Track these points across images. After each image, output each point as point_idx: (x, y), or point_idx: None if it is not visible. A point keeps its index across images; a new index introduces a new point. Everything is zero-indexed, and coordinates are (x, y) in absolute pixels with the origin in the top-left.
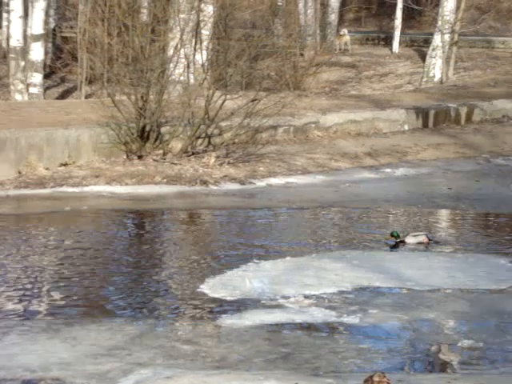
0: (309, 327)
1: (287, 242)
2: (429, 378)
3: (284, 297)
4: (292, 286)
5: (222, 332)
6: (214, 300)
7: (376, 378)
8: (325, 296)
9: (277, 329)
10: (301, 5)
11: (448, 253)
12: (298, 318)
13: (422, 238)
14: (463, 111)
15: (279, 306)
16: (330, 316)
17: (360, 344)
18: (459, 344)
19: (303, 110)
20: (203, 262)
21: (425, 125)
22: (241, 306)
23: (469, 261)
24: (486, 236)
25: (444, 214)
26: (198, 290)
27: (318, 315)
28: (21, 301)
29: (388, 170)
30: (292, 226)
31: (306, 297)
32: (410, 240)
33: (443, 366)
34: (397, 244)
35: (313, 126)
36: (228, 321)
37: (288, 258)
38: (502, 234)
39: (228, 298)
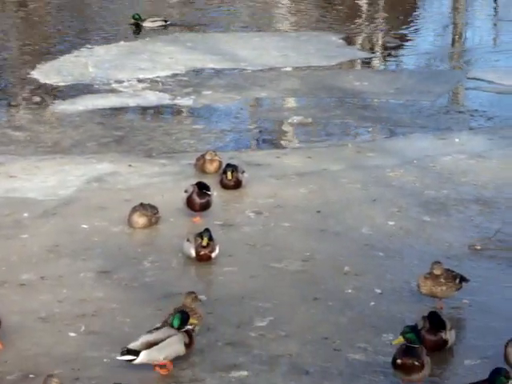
0: (143, 110)
1: (119, 25)
2: (259, 154)
3: (118, 81)
4: (126, 71)
5: (54, 118)
6: (47, 86)
7: (208, 157)
8: (158, 79)
9: (110, 113)
10: None
11: (281, 32)
12: (132, 102)
13: (160, 23)
14: None
15: (113, 91)
16: (164, 99)
17: (193, 125)
18: (289, 120)
19: None
20: (34, 47)
21: None
22: (74, 91)
23: (301, 39)
24: (317, 12)
25: None
26: (30, 76)
27: (152, 98)
28: None
29: None
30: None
31: (140, 81)
32: (147, 24)
33: (273, 143)
34: (137, 25)
35: None
36: (60, 106)
37: (122, 43)
38: (334, 12)
39: (61, 84)
